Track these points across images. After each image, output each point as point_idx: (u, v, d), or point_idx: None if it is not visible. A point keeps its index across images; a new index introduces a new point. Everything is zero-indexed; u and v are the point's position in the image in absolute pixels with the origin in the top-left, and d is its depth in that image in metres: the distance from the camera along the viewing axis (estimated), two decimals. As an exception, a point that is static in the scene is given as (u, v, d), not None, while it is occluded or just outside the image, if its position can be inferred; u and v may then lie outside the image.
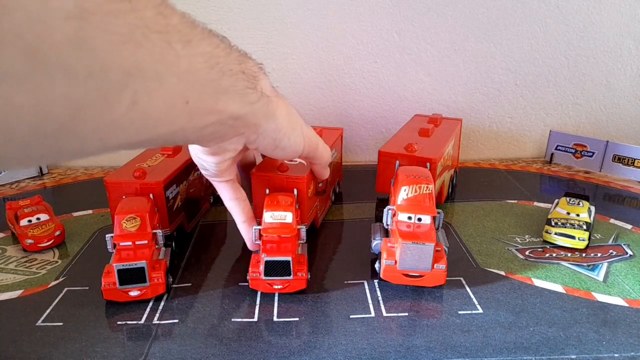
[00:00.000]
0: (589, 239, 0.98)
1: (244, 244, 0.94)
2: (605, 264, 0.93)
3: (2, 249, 1.00)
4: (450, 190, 1.25)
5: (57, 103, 0.32)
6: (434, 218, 0.86)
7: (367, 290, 0.85)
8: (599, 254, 0.96)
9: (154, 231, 0.84)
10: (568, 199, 1.07)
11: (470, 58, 1.46)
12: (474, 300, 0.82)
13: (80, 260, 0.96)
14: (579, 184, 1.34)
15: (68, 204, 1.19)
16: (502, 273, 0.90)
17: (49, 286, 0.87)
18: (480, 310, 0.79)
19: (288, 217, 0.85)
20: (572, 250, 0.98)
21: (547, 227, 1.02)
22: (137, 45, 0.39)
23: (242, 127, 0.65)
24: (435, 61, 1.45)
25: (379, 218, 1.08)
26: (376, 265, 0.89)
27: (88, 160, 1.48)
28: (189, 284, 0.87)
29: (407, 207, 0.86)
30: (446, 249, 0.87)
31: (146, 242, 0.82)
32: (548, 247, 0.99)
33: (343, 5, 1.37)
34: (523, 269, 0.91)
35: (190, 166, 1.05)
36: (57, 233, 1.00)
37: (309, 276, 0.85)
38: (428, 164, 1.01)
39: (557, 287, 0.86)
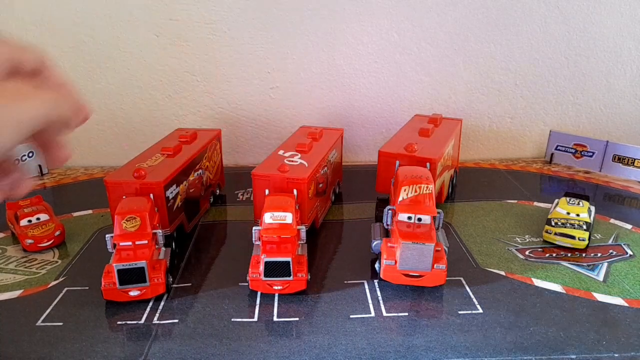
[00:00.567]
0: (589, 239, 0.98)
1: (245, 244, 0.94)
2: (605, 264, 0.93)
3: (2, 249, 0.99)
4: (450, 190, 1.25)
5: None
6: (434, 218, 0.86)
7: (367, 290, 0.85)
8: (599, 254, 0.96)
9: (154, 231, 0.84)
10: (568, 199, 1.07)
11: (470, 58, 1.46)
12: (474, 300, 0.82)
13: (80, 260, 0.96)
14: (579, 184, 1.34)
15: (68, 204, 1.19)
16: (502, 273, 0.90)
17: (49, 286, 0.87)
18: (480, 310, 0.79)
19: (288, 217, 0.85)
20: (572, 250, 0.98)
21: (547, 227, 1.01)
22: None
23: None
24: (435, 61, 1.45)
25: (379, 218, 1.08)
26: (376, 265, 0.89)
27: (88, 160, 1.48)
28: (189, 284, 0.87)
29: (407, 207, 0.86)
30: (446, 249, 0.87)
31: (146, 242, 0.82)
32: (548, 247, 0.99)
33: (343, 6, 1.37)
34: (523, 269, 0.91)
35: (190, 166, 1.05)
36: (57, 233, 1.00)
37: (309, 277, 0.85)
38: (428, 164, 1.01)
39: (557, 287, 0.86)
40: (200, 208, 1.13)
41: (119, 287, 0.79)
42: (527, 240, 1.02)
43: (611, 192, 1.29)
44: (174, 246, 0.98)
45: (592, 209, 1.07)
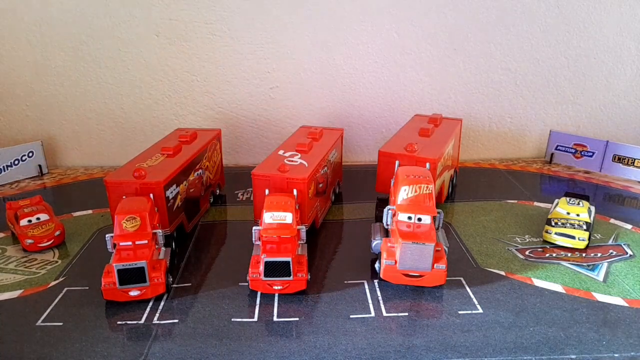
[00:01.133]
0: (589, 239, 0.98)
1: (245, 244, 0.94)
2: (605, 264, 0.93)
3: (2, 249, 0.99)
4: (450, 190, 1.25)
5: None
6: (434, 218, 0.86)
7: (367, 290, 0.85)
8: (599, 254, 0.96)
9: (154, 231, 0.84)
10: (568, 199, 1.07)
11: (470, 58, 1.46)
12: (474, 300, 0.82)
13: (80, 260, 0.96)
14: (579, 184, 1.34)
15: (68, 204, 1.19)
16: (502, 273, 0.90)
17: (49, 286, 0.87)
18: (480, 310, 0.79)
19: (288, 217, 0.85)
20: (572, 250, 0.98)
21: (547, 227, 1.02)
22: None
23: None
24: (435, 61, 1.45)
25: (379, 218, 1.08)
26: (376, 265, 0.89)
27: (88, 160, 1.48)
28: (189, 284, 0.87)
29: (407, 207, 0.86)
30: (446, 249, 0.87)
31: (146, 242, 0.82)
32: (548, 247, 0.99)
33: (343, 5, 1.37)
34: (523, 269, 0.91)
35: (190, 166, 1.05)
36: (57, 233, 1.00)
37: (309, 276, 0.85)
38: (428, 164, 1.01)
39: (557, 287, 0.86)
40: (200, 208, 1.13)
41: (119, 287, 0.79)
42: (527, 240, 1.02)
43: (611, 192, 1.29)
44: (174, 246, 0.97)
45: (592, 209, 1.07)
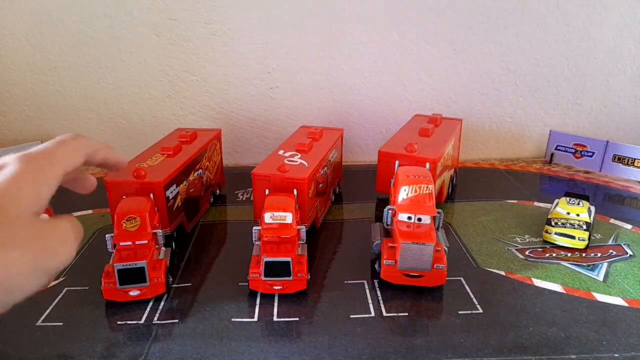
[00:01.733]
0: (589, 239, 0.98)
1: (245, 244, 0.94)
2: (605, 264, 0.93)
3: (2, 249, 0.99)
4: (450, 190, 1.25)
5: None
6: (434, 218, 0.86)
7: (367, 290, 0.85)
8: (599, 254, 0.96)
9: (154, 231, 0.84)
10: (568, 199, 1.07)
11: (470, 58, 1.46)
12: (474, 300, 0.82)
13: (80, 260, 0.96)
14: (579, 184, 1.34)
15: (68, 204, 1.19)
16: (502, 273, 0.90)
17: (49, 286, 0.87)
18: (480, 310, 0.79)
19: (288, 217, 0.85)
20: (572, 250, 0.98)
21: (547, 227, 1.02)
22: None
23: None
24: (435, 61, 1.45)
25: (379, 218, 1.08)
26: (376, 265, 0.89)
27: (88, 160, 1.48)
28: (189, 284, 0.87)
29: (407, 207, 0.86)
30: (446, 249, 0.87)
31: (146, 242, 0.81)
32: (548, 247, 0.99)
33: (343, 6, 1.37)
34: (523, 269, 0.91)
35: (190, 166, 1.05)
36: (57, 233, 1.00)
37: (309, 276, 0.85)
38: (428, 164, 1.01)
39: (557, 287, 0.86)
40: (200, 208, 1.13)
41: (119, 287, 0.79)
42: (527, 240, 1.02)
43: (611, 192, 1.29)
44: (174, 246, 0.97)
45: (592, 209, 1.07)
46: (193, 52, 1.39)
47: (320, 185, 1.06)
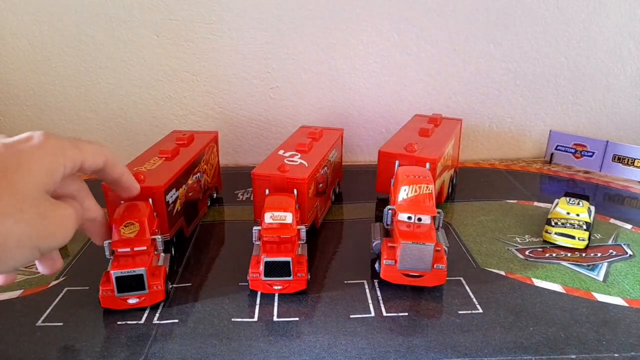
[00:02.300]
0: (589, 238, 0.98)
1: (245, 244, 0.94)
2: (605, 264, 0.93)
3: (2, 249, 0.99)
4: (450, 190, 1.25)
5: None
6: (434, 218, 0.86)
7: (367, 290, 0.85)
8: (599, 254, 0.96)
9: (153, 237, 0.82)
10: (568, 198, 1.07)
11: (470, 58, 1.46)
12: (474, 300, 0.82)
13: (80, 260, 0.96)
14: (579, 184, 1.34)
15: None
16: (502, 273, 0.90)
17: (49, 286, 0.87)
18: (480, 310, 0.79)
19: (288, 217, 0.85)
20: (572, 250, 0.98)
21: (547, 227, 1.02)
22: None
23: None
24: (435, 61, 1.45)
25: (379, 218, 1.08)
26: (376, 265, 0.89)
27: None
28: (189, 284, 0.87)
29: (407, 207, 0.86)
30: (446, 249, 0.87)
31: (145, 248, 0.79)
32: (548, 247, 0.99)
33: (343, 6, 1.37)
34: (523, 269, 0.91)
35: (189, 170, 1.04)
36: (57, 233, 0.99)
37: (309, 276, 0.85)
38: (428, 164, 1.01)
39: (557, 287, 0.86)
40: (198, 212, 1.12)
41: (117, 294, 0.77)
42: (527, 240, 1.02)
43: (611, 192, 1.29)
44: (173, 252, 0.96)
45: (592, 209, 1.07)
46: (193, 52, 1.39)
47: (320, 185, 1.06)
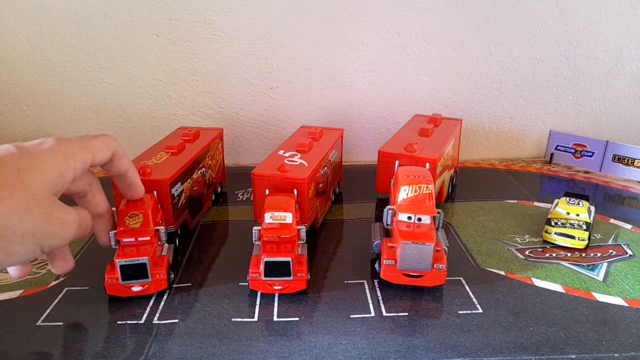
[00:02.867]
0: (589, 238, 0.98)
1: (245, 244, 0.94)
2: (605, 264, 0.93)
3: (2, 249, 0.99)
4: (450, 190, 1.25)
5: None
6: (434, 218, 0.86)
7: (367, 290, 0.85)
8: (599, 254, 0.96)
9: (157, 228, 0.85)
10: (568, 198, 1.07)
11: (470, 58, 1.46)
12: (474, 300, 0.82)
13: (80, 260, 0.96)
14: (578, 184, 1.34)
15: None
16: (502, 273, 0.90)
17: (49, 286, 0.87)
18: (480, 310, 0.79)
19: (288, 217, 0.85)
20: (572, 250, 0.98)
21: (547, 227, 1.02)
22: None
23: None
24: (435, 61, 1.45)
25: (379, 218, 1.08)
26: (376, 265, 0.89)
27: (88, 160, 1.48)
28: (189, 284, 0.87)
29: (407, 207, 0.86)
30: (446, 249, 0.87)
31: (149, 238, 0.82)
32: (548, 247, 0.99)
33: (343, 5, 1.37)
34: (523, 269, 0.91)
35: (194, 165, 1.06)
36: (57, 233, 1.00)
37: (309, 276, 0.85)
38: (428, 164, 1.01)
39: (557, 287, 0.86)
40: (202, 206, 1.14)
41: (121, 282, 0.80)
42: (527, 240, 1.02)
43: (611, 192, 1.29)
44: (177, 243, 0.99)
45: (592, 209, 1.07)
46: (193, 52, 1.39)
47: (320, 185, 1.06)
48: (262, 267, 0.81)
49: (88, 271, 0.90)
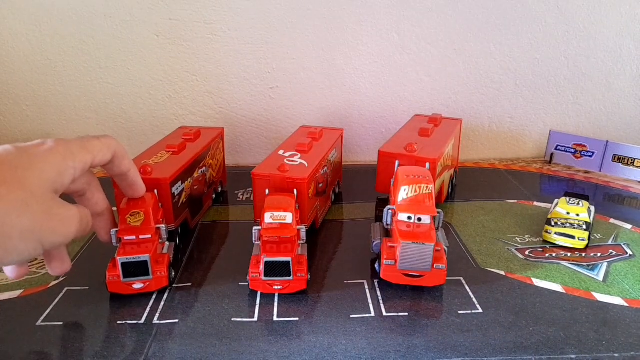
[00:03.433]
0: (589, 238, 0.98)
1: (245, 244, 0.94)
2: (605, 264, 0.93)
3: (2, 249, 0.99)
4: (450, 190, 1.25)
5: None
6: (434, 218, 0.86)
7: (367, 290, 0.85)
8: (599, 254, 0.96)
9: (158, 226, 0.85)
10: (568, 198, 1.07)
11: (470, 58, 1.46)
12: (474, 300, 0.82)
13: (80, 260, 0.96)
14: (578, 184, 1.34)
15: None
16: (502, 273, 0.90)
17: (49, 286, 0.87)
18: (480, 310, 0.79)
19: (288, 217, 0.85)
20: (572, 250, 0.98)
21: (547, 227, 1.02)
22: None
23: None
24: (435, 61, 1.46)
25: (379, 218, 1.08)
26: (376, 265, 0.89)
27: (88, 160, 1.48)
28: (189, 284, 0.87)
29: (407, 207, 0.86)
30: (446, 249, 0.87)
31: (150, 236, 0.83)
32: (548, 247, 0.99)
33: (343, 5, 1.37)
34: (523, 268, 0.91)
35: (195, 164, 1.06)
36: (57, 233, 1.00)
37: (309, 276, 0.85)
38: (428, 164, 1.01)
39: (557, 287, 0.86)
40: (203, 205, 1.14)
41: (122, 280, 0.80)
42: (527, 240, 1.02)
43: (611, 192, 1.29)
44: (177, 241, 0.99)
45: (592, 209, 1.07)
46: (193, 52, 1.39)
47: (320, 185, 1.06)
48: (262, 267, 0.81)
49: (88, 271, 0.90)
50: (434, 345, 0.72)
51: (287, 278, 0.82)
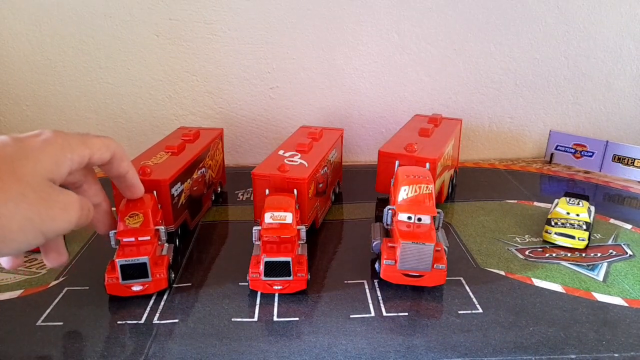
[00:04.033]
0: (589, 238, 0.98)
1: (245, 244, 0.94)
2: (605, 264, 0.93)
3: (2, 249, 0.99)
4: (450, 190, 1.25)
5: None
6: (434, 218, 0.86)
7: (367, 290, 0.85)
8: (599, 254, 0.96)
9: (157, 227, 0.85)
10: (568, 198, 1.07)
11: (470, 58, 1.46)
12: (474, 300, 0.82)
13: (80, 260, 0.96)
14: (578, 184, 1.34)
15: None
16: (502, 273, 0.90)
17: (49, 286, 0.87)
18: (480, 310, 0.79)
19: (288, 217, 0.85)
20: (572, 250, 0.98)
21: (547, 227, 1.02)
22: None
23: None
24: (435, 61, 1.45)
25: (379, 218, 1.08)
26: (376, 265, 0.89)
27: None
28: (189, 284, 0.87)
29: (407, 207, 0.86)
30: (446, 249, 0.87)
31: (149, 238, 0.82)
32: (548, 247, 0.99)
33: (343, 5, 1.37)
34: (523, 269, 0.91)
35: (194, 165, 1.06)
36: (57, 233, 1.00)
37: (309, 276, 0.85)
38: (428, 164, 1.01)
39: (557, 287, 0.86)
40: (202, 206, 1.14)
41: (121, 282, 0.80)
42: (527, 240, 1.02)
43: (611, 192, 1.29)
44: (177, 243, 0.99)
45: (592, 209, 1.07)
46: (193, 52, 1.39)
47: (320, 185, 1.06)
48: (262, 267, 0.81)
49: (88, 271, 0.90)
50: (434, 345, 0.72)
51: (287, 278, 0.82)
